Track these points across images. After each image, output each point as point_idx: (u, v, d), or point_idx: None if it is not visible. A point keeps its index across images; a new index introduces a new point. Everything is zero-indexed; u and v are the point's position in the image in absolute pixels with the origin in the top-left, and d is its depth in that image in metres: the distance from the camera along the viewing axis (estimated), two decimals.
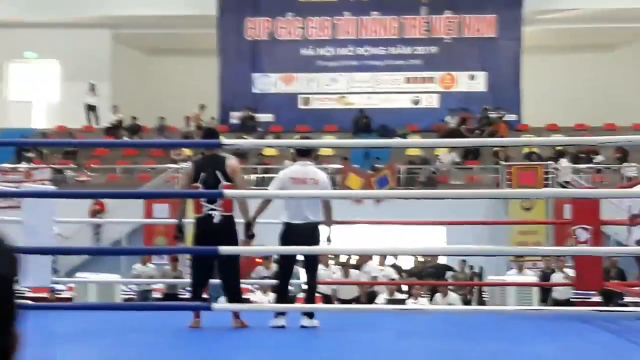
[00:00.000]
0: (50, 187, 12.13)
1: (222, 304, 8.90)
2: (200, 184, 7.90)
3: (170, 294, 16.49)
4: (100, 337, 7.42)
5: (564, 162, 21.70)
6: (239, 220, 8.06)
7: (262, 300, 14.18)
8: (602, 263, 10.09)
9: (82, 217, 19.66)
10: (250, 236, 8.08)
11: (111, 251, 18.37)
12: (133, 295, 16.54)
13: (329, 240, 8.27)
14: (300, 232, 8.02)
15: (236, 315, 7.93)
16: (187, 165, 8.27)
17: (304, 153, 8.37)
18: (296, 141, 9.55)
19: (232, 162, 8.07)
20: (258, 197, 8.46)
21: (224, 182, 7.86)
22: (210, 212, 7.87)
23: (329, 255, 15.51)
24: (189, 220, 8.37)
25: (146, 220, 18.68)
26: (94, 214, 20.78)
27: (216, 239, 7.50)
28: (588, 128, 26.01)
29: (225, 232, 7.84)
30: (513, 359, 6.27)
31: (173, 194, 18.79)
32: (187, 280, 15.39)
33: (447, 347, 6.81)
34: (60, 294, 16.45)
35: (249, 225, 8.06)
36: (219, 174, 7.91)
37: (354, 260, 16.73)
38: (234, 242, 7.89)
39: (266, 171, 22.04)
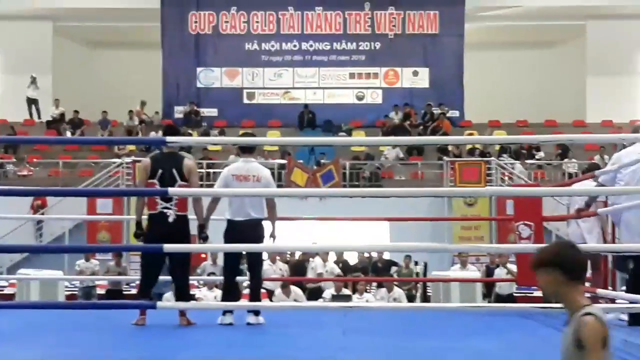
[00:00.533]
0: None
1: (167, 302, 8.86)
2: (157, 181, 7.85)
3: (114, 290, 16.39)
4: (44, 335, 7.36)
5: (517, 167, 21.92)
6: (192, 217, 8.05)
7: (207, 296, 14.13)
8: None
9: (24, 211, 19.42)
10: (204, 238, 8.06)
11: (54, 249, 18.13)
12: (76, 291, 16.39)
13: (272, 237, 8.26)
14: (242, 229, 8.01)
15: (182, 313, 7.92)
16: (145, 159, 8.14)
17: (247, 150, 8.36)
18: (242, 139, 9.52)
19: (189, 162, 8.05)
20: (204, 195, 8.41)
21: (180, 182, 7.84)
22: (164, 210, 7.83)
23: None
24: (131, 217, 8.32)
25: (89, 216, 18.49)
26: (36, 209, 20.53)
27: (169, 238, 7.45)
28: (529, 124, 26.33)
29: (179, 231, 7.80)
30: (457, 355, 6.35)
31: (119, 192, 18.72)
32: (131, 276, 15.38)
33: (392, 344, 6.87)
34: (2, 291, 16.26)
35: (202, 228, 8.04)
36: (175, 173, 7.87)
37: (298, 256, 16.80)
38: (187, 242, 7.87)
39: (211, 166, 21.95)
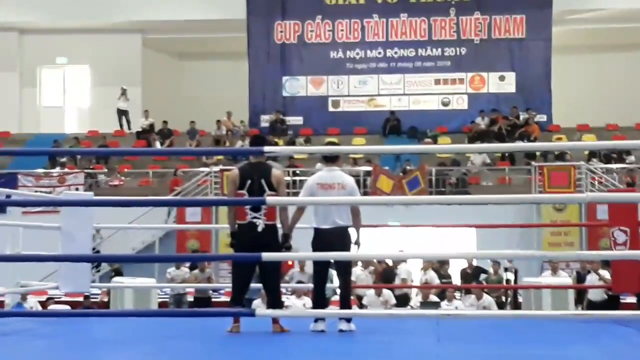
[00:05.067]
0: (88, 194, 12.19)
1: (263, 309, 8.95)
2: (246, 192, 7.95)
3: (202, 298, 16.51)
4: (141, 343, 7.48)
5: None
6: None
7: (296, 304, 14.22)
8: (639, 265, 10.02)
9: (116, 219, 19.80)
10: (287, 248, 8.11)
11: (148, 258, 18.46)
12: (167, 299, 16.64)
13: (357, 243, 8.28)
14: (329, 237, 8.08)
15: (275, 320, 7.98)
16: (234, 170, 8.24)
17: (330, 159, 8.40)
18: (328, 147, 9.57)
19: (277, 172, 8.11)
20: (296, 204, 8.47)
21: (268, 192, 7.91)
22: (253, 220, 7.92)
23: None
24: (224, 226, 8.41)
25: (180, 225, 18.76)
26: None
27: (259, 247, 7.56)
28: (619, 128, 25.85)
29: (269, 240, 7.88)
30: None
31: (213, 202, 18.98)
32: (220, 284, 15.56)
33: (489, 352, 6.80)
34: (96, 299, 16.61)
35: (286, 237, 8.10)
36: (264, 183, 7.96)
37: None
38: (277, 250, 7.93)
39: (297, 174, 22.06)
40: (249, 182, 7.95)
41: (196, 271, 16.62)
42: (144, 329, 8.18)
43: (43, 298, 16.29)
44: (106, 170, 24.48)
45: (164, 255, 20.12)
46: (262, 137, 9.13)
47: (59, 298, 16.14)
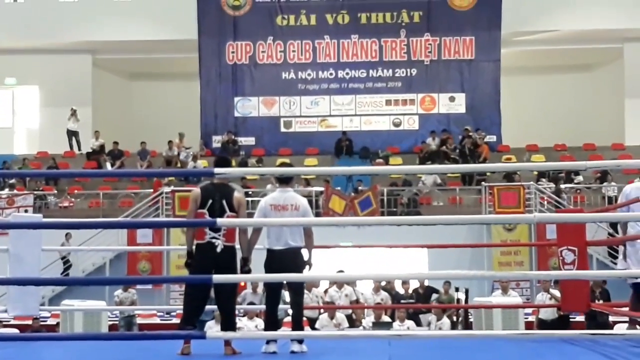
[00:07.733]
0: (37, 216, 12.09)
1: (214, 331, 8.89)
2: (206, 211, 7.92)
3: None
4: None
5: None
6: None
7: (248, 325, 14.15)
8: (589, 284, 10.15)
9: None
10: (246, 272, 8.07)
11: (98, 281, 18.25)
12: (117, 321, 16.46)
13: (309, 264, 8.29)
14: (282, 258, 8.09)
15: (227, 342, 7.94)
16: (196, 189, 8.19)
17: (284, 180, 8.41)
18: (282, 169, 9.57)
19: (239, 195, 8.08)
20: (248, 225, 8.44)
21: (228, 212, 7.89)
22: (212, 240, 7.88)
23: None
24: (175, 247, 8.37)
25: (131, 247, 18.62)
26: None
27: (217, 268, 7.55)
28: (567, 148, 26.19)
29: (227, 261, 7.85)
30: None
31: (163, 224, 18.88)
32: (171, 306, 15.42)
33: None
34: (44, 322, 16.39)
35: (245, 261, 8.07)
36: (225, 203, 7.94)
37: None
38: (234, 272, 7.90)
39: (248, 195, 22.00)
40: (210, 201, 7.92)
41: None
42: (95, 352, 8.10)
43: None
44: (56, 191, 24.23)
45: (114, 277, 19.93)
46: (226, 159, 8.91)
47: (8, 321, 15.91)
